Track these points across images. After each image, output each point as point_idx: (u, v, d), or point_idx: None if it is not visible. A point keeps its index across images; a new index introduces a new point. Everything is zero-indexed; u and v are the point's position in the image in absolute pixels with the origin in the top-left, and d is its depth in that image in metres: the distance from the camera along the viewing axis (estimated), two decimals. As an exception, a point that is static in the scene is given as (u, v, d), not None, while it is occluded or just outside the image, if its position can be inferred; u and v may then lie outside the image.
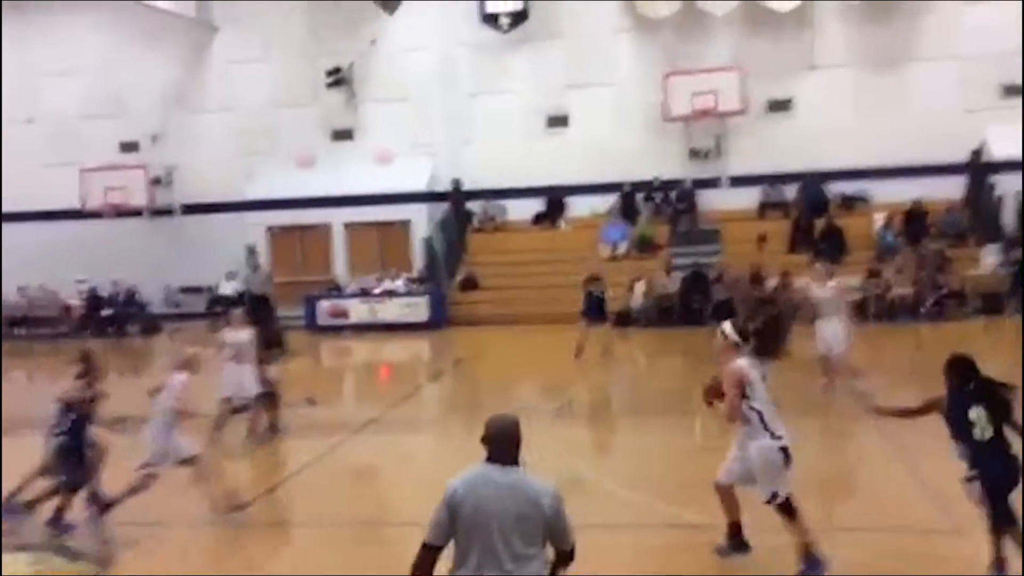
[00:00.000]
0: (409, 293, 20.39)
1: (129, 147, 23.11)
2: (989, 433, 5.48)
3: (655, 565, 6.41)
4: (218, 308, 22.47)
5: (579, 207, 21.66)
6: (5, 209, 22.70)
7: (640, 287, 18.96)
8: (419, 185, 21.81)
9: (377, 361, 18.25)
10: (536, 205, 21.84)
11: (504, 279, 20.41)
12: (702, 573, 6.10)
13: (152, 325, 21.82)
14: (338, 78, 22.25)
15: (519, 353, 16.73)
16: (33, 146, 23.03)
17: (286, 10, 22.27)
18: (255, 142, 22.56)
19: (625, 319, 18.40)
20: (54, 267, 22.19)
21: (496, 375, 14.92)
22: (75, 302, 22.33)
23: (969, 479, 5.53)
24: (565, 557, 4.05)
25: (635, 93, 21.16)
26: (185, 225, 23.00)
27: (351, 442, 10.53)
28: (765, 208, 20.87)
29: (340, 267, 22.18)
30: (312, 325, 20.43)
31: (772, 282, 17.18)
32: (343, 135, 22.79)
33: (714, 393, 6.19)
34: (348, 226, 22.18)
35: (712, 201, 21.16)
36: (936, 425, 5.74)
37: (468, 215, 22.23)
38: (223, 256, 22.21)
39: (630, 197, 21.33)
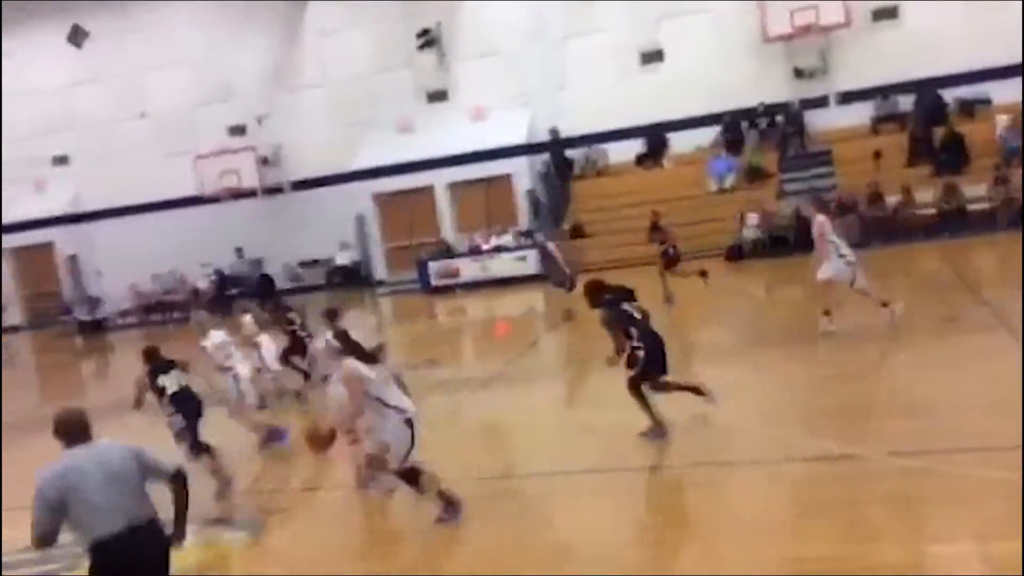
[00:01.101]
0: (518, 247, 20.46)
1: (237, 130, 23.83)
2: None
3: (804, 498, 6.30)
4: (336, 279, 23.29)
5: (681, 143, 21.20)
6: (130, 201, 23.94)
7: (752, 219, 18.50)
8: (517, 138, 21.74)
9: (492, 317, 18.43)
10: (637, 146, 21.51)
11: (610, 224, 20.21)
12: (851, 502, 5.97)
13: (277, 302, 22.61)
14: (428, 39, 22.31)
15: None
16: (147, 139, 24.07)
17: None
18: (355, 112, 22.93)
19: (738, 252, 18.01)
20: (180, 253, 23.29)
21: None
22: (203, 285, 23.40)
23: None
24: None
25: (730, 17, 20.47)
26: (296, 201, 23.67)
27: (476, 397, 10.70)
28: (878, 123, 19.93)
29: (448, 228, 22.45)
30: (426, 287, 20.79)
31: (893, 199, 16.48)
32: (438, 96, 22.89)
33: None
34: (452, 186, 22.37)
35: (821, 121, 20.39)
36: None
37: (569, 163, 22.07)
38: (336, 227, 22.89)
39: (734, 127, 20.74)
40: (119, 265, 23.73)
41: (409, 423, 6.49)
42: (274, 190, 23.74)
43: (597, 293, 7.94)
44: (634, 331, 7.67)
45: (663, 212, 15.58)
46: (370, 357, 6.72)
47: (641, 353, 7.60)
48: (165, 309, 23.42)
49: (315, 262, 23.68)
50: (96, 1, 22.55)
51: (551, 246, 16.22)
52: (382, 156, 22.40)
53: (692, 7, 20.61)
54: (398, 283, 21.77)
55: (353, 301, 21.18)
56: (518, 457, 8.60)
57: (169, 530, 4.57)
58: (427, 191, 22.59)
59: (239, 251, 23.67)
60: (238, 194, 23.27)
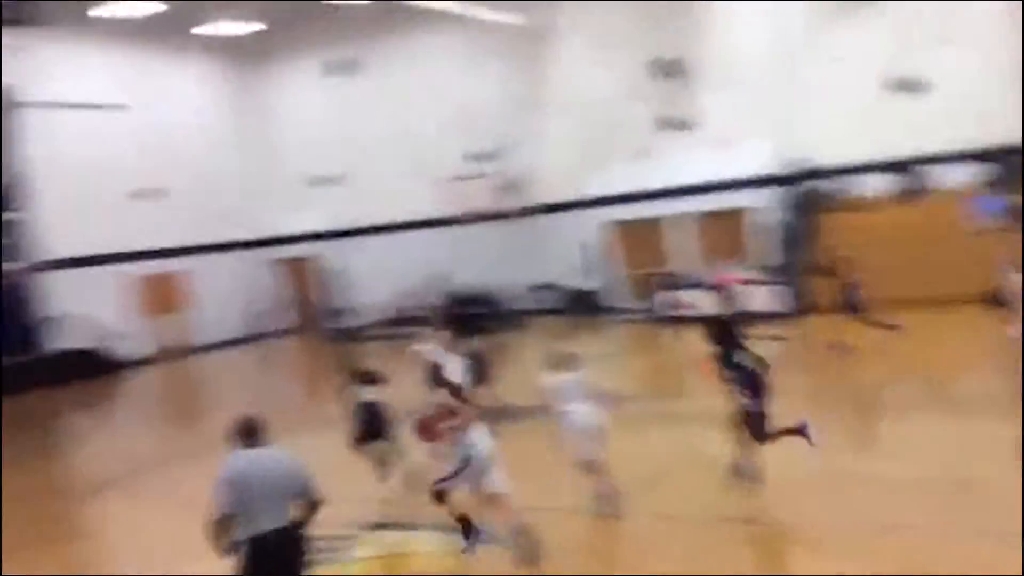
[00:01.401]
0: (754, 282, 19.98)
1: (481, 156, 24.92)
2: None
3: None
4: (568, 304, 23.78)
5: (940, 177, 19.90)
6: (373, 222, 25.67)
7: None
8: (759, 169, 21.30)
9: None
10: (889, 179, 20.42)
11: (862, 260, 19.22)
12: None
13: (511, 323, 23.37)
14: (669, 68, 22.35)
15: (886, 340, 15.51)
16: (399, 163, 25.67)
17: (612, 5, 22.81)
18: (593, 139, 23.35)
19: (998, 299, 16.68)
20: (424, 271, 24.65)
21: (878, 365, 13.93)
22: (439, 302, 24.60)
23: None
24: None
25: (997, 45, 19.04)
26: (533, 226, 24.38)
27: (710, 434, 10.55)
28: None
29: (682, 258, 22.33)
30: (656, 316, 20.77)
31: None
32: (678, 124, 22.83)
33: None
34: (689, 216, 22.22)
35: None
36: None
37: (817, 195, 21.29)
38: (569, 253, 23.47)
39: (1005, 161, 19.14)
40: (371, 279, 25.45)
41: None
42: (511, 214, 24.58)
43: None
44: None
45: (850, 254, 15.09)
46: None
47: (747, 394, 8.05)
48: (408, 323, 24.79)
49: (548, 286, 24.29)
50: (355, 36, 24.47)
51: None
52: (618, 184, 22.69)
53: (950, 33, 19.31)
54: (628, 311, 21.92)
55: (584, 327, 21.55)
56: (757, 501, 8.44)
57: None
58: (661, 221, 22.59)
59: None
60: (480, 217, 24.30)
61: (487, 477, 7.14)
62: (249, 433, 5.51)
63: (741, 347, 8.29)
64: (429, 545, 7.88)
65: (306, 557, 5.45)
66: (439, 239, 25.11)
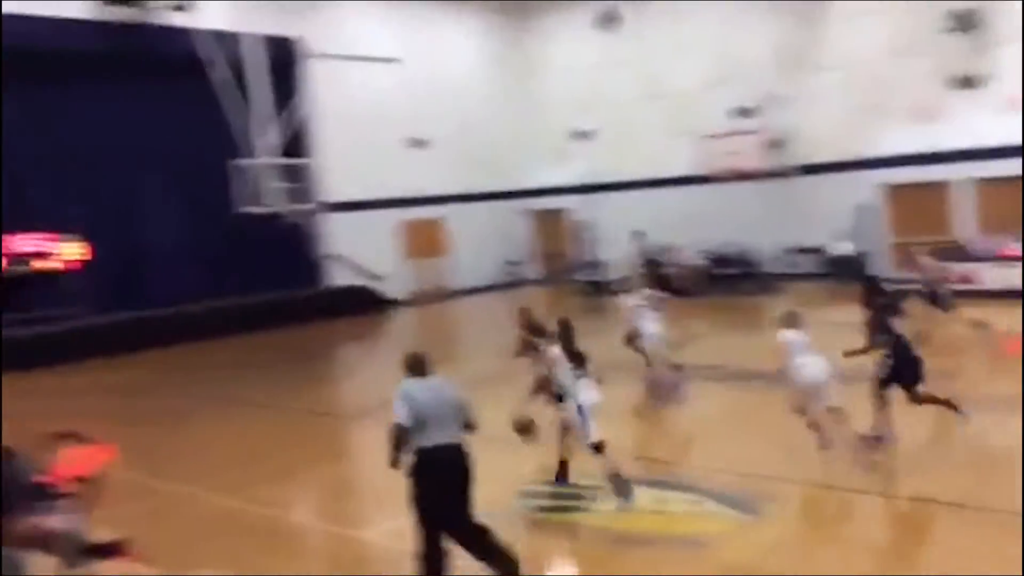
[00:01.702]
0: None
1: (745, 112, 24.07)
2: None
3: None
4: (831, 269, 22.64)
5: None
6: (638, 176, 25.54)
7: None
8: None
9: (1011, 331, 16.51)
10: None
11: None
12: None
13: (768, 285, 22.60)
14: (961, 21, 20.43)
15: None
16: (660, 119, 25.33)
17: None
18: (870, 97, 21.86)
19: None
20: (678, 229, 24.34)
21: None
22: (697, 263, 24.20)
23: None
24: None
25: None
26: (799, 186, 23.32)
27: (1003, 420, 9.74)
28: None
29: (964, 227, 20.58)
30: (926, 290, 19.24)
31: None
32: (966, 83, 20.89)
33: None
34: (974, 182, 20.41)
35: None
36: None
37: None
38: (836, 216, 22.28)
39: None
40: (622, 234, 25.50)
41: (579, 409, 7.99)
42: (777, 174, 23.61)
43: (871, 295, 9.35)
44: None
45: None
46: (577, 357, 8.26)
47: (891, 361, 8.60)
48: (661, 282, 24.61)
49: (811, 250, 23.23)
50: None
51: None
52: (896, 145, 21.17)
53: None
54: (899, 281, 20.49)
55: (843, 294, 20.43)
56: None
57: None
58: (944, 185, 20.88)
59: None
60: (741, 176, 23.58)
61: (589, 427, 8.00)
62: (418, 366, 6.48)
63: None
64: (685, 506, 7.85)
65: (470, 472, 6.18)
66: (696, 197, 24.59)
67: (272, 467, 10.14)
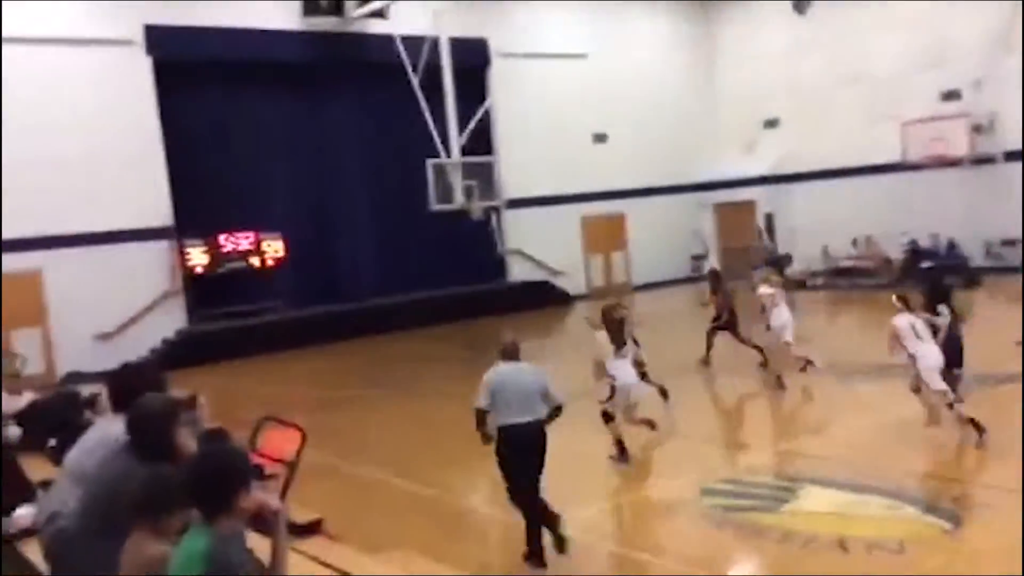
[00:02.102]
0: None
1: (950, 96, 22.53)
2: None
3: None
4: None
5: None
6: (833, 165, 24.43)
7: None
8: None
9: None
10: None
11: None
12: None
13: (973, 279, 21.10)
14: None
15: None
16: (858, 103, 24.12)
17: None
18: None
19: None
20: (877, 220, 23.12)
21: None
22: (896, 255, 22.92)
23: None
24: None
25: None
26: (1006, 174, 21.61)
27: None
28: None
29: None
30: None
31: None
32: None
33: None
34: None
35: None
36: None
37: None
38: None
39: None
40: (814, 226, 24.47)
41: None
42: (984, 160, 21.96)
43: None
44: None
45: None
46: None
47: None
48: (855, 275, 23.52)
49: (1015, 242, 21.48)
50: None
51: None
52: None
53: None
54: None
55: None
56: None
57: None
58: None
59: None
60: (944, 162, 22.10)
61: (633, 407, 9.85)
62: (509, 352, 7.24)
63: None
64: (878, 510, 7.43)
65: (545, 445, 6.96)
66: (895, 185, 23.23)
67: (457, 455, 10.38)
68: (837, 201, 24.26)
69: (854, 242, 23.96)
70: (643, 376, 10.70)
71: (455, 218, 22.02)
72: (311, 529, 6.53)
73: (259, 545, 3.88)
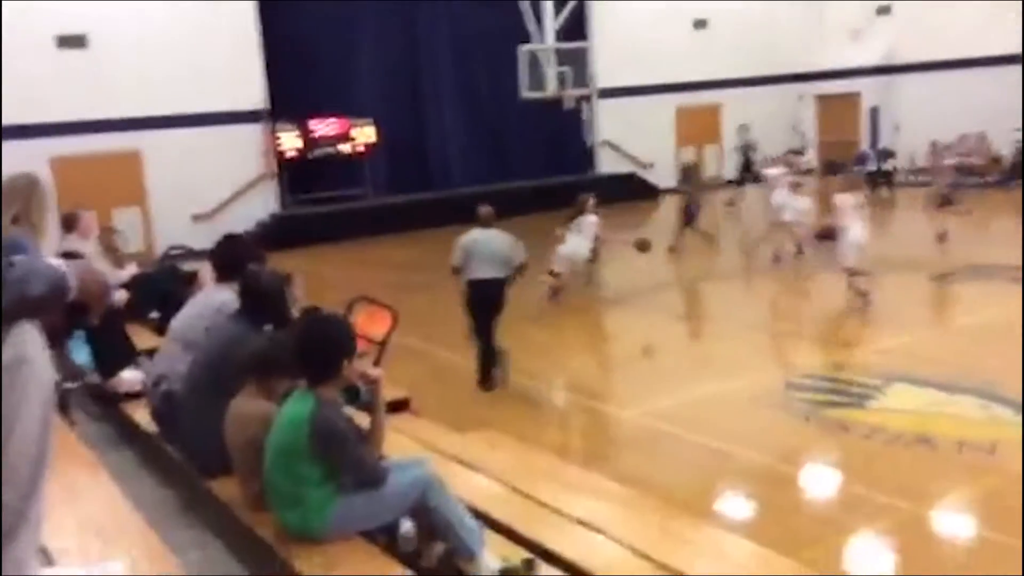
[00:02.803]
0: None
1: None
2: None
3: None
4: None
5: None
6: (947, 56, 23.01)
7: None
8: None
9: None
10: None
11: None
12: None
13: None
14: None
15: None
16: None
17: None
18: None
19: None
20: (993, 115, 21.88)
21: None
22: (1006, 152, 21.78)
23: None
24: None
25: None
26: None
27: None
28: None
29: None
30: None
31: None
32: None
33: None
34: None
35: None
36: None
37: None
38: None
39: None
40: (922, 121, 23.32)
41: None
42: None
43: None
44: None
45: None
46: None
47: None
48: (962, 172, 22.44)
49: None
50: None
51: None
52: None
53: None
54: None
55: None
56: None
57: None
58: None
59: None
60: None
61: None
62: (484, 220, 8.58)
63: None
64: (965, 410, 7.30)
65: (503, 301, 8.45)
66: (1013, 78, 21.81)
67: (540, 344, 10.52)
68: (949, 95, 22.97)
69: (963, 137, 22.79)
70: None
71: (547, 106, 21.69)
72: (399, 406, 6.75)
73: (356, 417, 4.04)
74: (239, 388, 4.06)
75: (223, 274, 4.97)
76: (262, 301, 4.46)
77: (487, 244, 8.41)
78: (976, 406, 7.31)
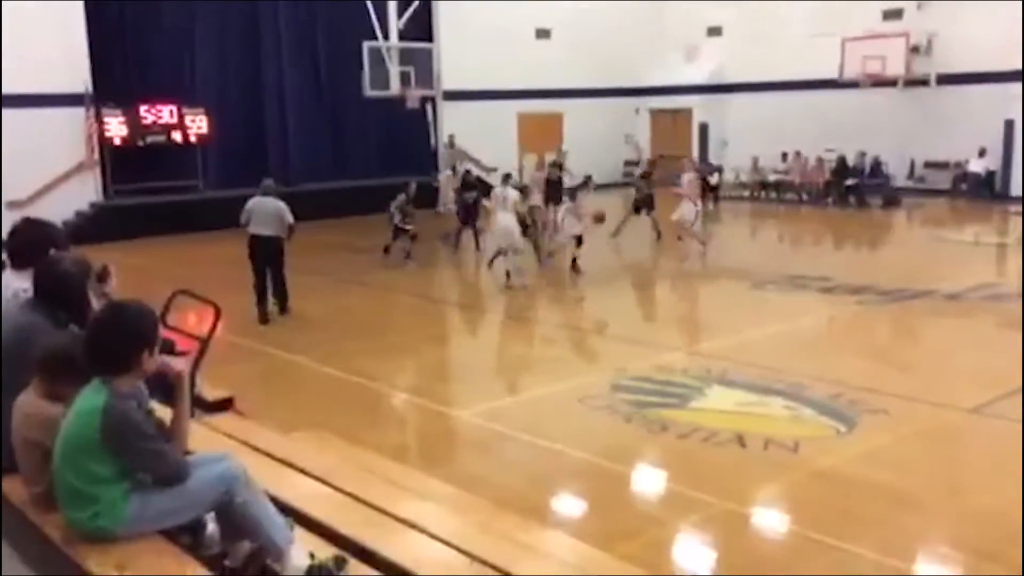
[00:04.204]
0: None
1: (893, 15, 22.59)
2: None
3: None
4: (963, 185, 21.42)
5: None
6: (770, 78, 24.34)
7: None
8: None
9: None
10: None
11: None
12: None
13: (893, 199, 21.62)
14: None
15: None
16: (800, 18, 23.96)
17: None
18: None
19: None
20: (807, 135, 23.32)
21: None
22: (823, 171, 23.25)
23: None
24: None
25: None
26: (940, 97, 21.94)
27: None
28: None
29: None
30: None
31: None
32: None
33: None
34: None
35: None
36: None
37: None
38: (977, 131, 20.91)
39: None
40: (746, 138, 24.60)
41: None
42: (919, 82, 22.22)
43: None
44: None
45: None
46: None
47: None
48: (779, 188, 23.86)
49: (944, 165, 21.99)
50: None
51: None
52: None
53: None
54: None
55: (975, 214, 19.38)
56: None
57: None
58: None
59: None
60: (879, 82, 22.29)
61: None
62: (266, 191, 11.41)
63: None
64: (773, 410, 7.74)
65: (280, 253, 11.30)
66: (832, 102, 23.35)
67: (379, 344, 10.41)
68: (772, 114, 24.36)
69: (783, 156, 24.23)
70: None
71: (391, 107, 21.51)
72: (221, 406, 6.48)
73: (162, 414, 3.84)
74: (28, 383, 3.78)
75: (19, 261, 4.64)
76: (58, 290, 4.15)
77: (265, 207, 11.17)
78: (783, 407, 7.76)
